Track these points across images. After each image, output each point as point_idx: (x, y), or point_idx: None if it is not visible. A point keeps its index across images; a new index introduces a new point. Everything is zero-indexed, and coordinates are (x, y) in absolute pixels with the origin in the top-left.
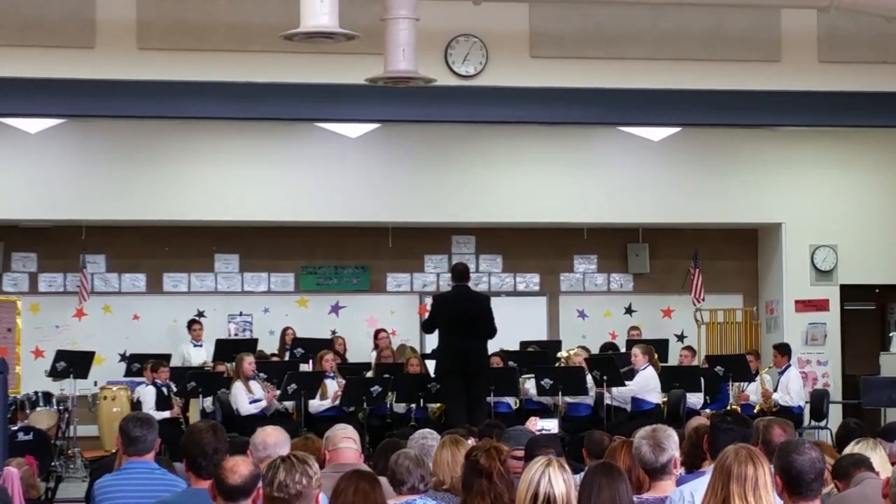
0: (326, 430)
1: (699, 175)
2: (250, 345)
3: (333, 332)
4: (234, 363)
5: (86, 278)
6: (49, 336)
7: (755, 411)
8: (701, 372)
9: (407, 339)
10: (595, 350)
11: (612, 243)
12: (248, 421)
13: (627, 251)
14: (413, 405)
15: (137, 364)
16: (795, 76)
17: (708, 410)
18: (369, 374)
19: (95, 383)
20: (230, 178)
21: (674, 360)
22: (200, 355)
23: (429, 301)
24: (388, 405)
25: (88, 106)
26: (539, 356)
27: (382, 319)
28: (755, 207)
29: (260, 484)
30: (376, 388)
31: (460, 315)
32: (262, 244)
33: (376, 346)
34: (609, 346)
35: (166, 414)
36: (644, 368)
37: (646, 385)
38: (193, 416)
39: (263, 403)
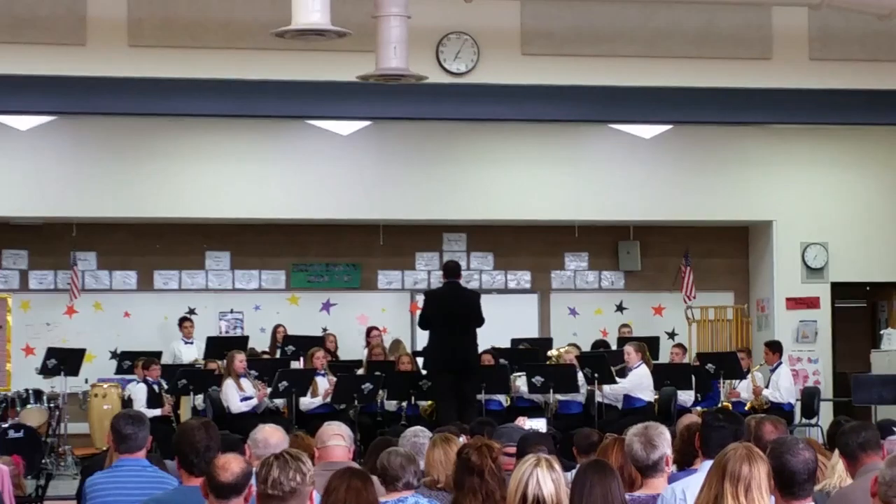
0: (318, 427)
1: (690, 173)
2: (241, 342)
3: (324, 330)
4: (225, 361)
5: (76, 275)
6: (40, 333)
7: (746, 409)
8: (692, 369)
9: (398, 336)
10: (586, 347)
11: (603, 241)
12: (239, 418)
13: (618, 249)
14: (404, 403)
15: (128, 361)
16: (787, 74)
17: (699, 408)
18: (360, 371)
19: (86, 381)
20: (221, 175)
21: (665, 357)
22: (191, 353)
23: (420, 299)
24: (380, 403)
25: (79, 103)
26: (530, 354)
27: (373, 317)
28: (746, 205)
29: (253, 481)
30: (367, 386)
31: (451, 312)
32: (253, 242)
33: (367, 344)
34: (600, 344)
35: (157, 411)
36: (637, 366)
37: (639, 383)
38: (184, 413)
39: (254, 401)
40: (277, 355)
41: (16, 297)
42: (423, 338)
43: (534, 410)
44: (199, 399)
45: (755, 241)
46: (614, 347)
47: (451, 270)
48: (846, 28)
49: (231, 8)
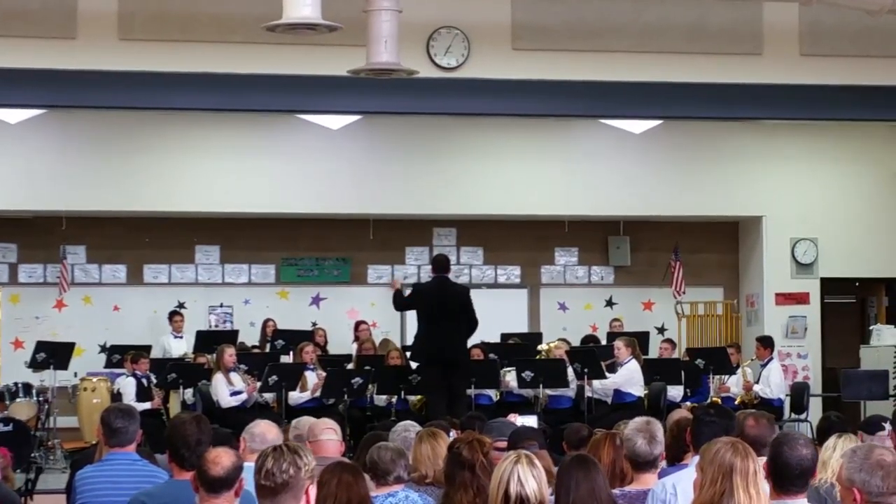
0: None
1: (680, 168)
2: (231, 336)
3: (314, 324)
4: (214, 355)
5: (66, 269)
6: (29, 327)
7: (736, 403)
8: (681, 364)
9: (387, 330)
10: (576, 342)
11: (593, 236)
12: (228, 413)
13: (608, 244)
14: (394, 397)
15: (118, 355)
16: (777, 69)
17: (688, 403)
18: (350, 365)
19: (75, 374)
20: (211, 169)
21: (654, 352)
22: (181, 347)
23: (398, 276)
24: (369, 397)
25: (70, 96)
26: (520, 348)
27: (363, 311)
28: (736, 200)
29: (244, 476)
30: (357, 380)
31: (440, 306)
32: (242, 235)
33: (357, 338)
34: (590, 339)
35: (147, 405)
36: (627, 361)
37: (630, 378)
38: (174, 407)
39: (244, 395)
40: (267, 349)
41: (5, 290)
42: (412, 333)
43: (523, 405)
44: (189, 393)
45: (745, 237)
46: (604, 342)
47: (440, 265)
48: (837, 24)
49: (222, 2)
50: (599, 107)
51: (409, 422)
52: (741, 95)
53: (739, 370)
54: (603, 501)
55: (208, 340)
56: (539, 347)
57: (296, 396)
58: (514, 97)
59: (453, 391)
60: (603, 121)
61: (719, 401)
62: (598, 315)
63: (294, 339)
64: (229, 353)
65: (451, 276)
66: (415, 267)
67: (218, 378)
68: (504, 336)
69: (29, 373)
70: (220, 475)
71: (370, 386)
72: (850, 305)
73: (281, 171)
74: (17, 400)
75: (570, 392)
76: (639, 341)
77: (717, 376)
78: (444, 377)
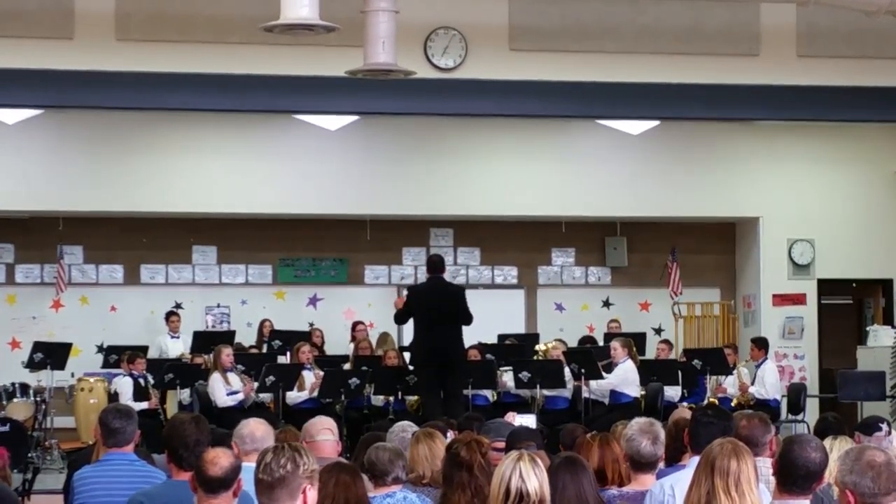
0: (304, 422)
1: (677, 169)
2: (228, 337)
3: (311, 325)
4: (211, 355)
5: (63, 269)
6: (26, 327)
7: (733, 405)
8: (678, 365)
9: (385, 330)
10: (573, 343)
11: (589, 237)
12: (225, 413)
13: (605, 245)
14: (391, 398)
15: (114, 355)
16: (774, 70)
17: (685, 404)
18: (347, 366)
19: (72, 375)
20: (208, 169)
21: (651, 353)
22: (178, 347)
23: (406, 294)
24: (366, 398)
25: (67, 97)
26: (517, 349)
27: (360, 312)
28: (733, 201)
29: (241, 476)
30: (354, 381)
31: (435, 306)
32: (240, 236)
33: (354, 339)
34: (587, 340)
35: (144, 405)
36: (623, 362)
37: (625, 378)
38: (171, 408)
39: (241, 396)
40: (264, 350)
41: (2, 290)
42: (409, 333)
43: (520, 406)
44: (186, 393)
45: (742, 238)
46: (601, 343)
47: (435, 265)
48: (833, 25)
49: (219, 2)
50: (596, 108)
51: (406, 422)
52: (738, 96)
53: (735, 371)
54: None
55: (205, 341)
56: (536, 348)
57: (293, 397)
58: (512, 98)
59: (448, 392)
60: (600, 122)
61: (716, 402)
62: (594, 316)
63: (291, 339)
64: (226, 354)
65: (447, 276)
66: (412, 267)
67: (215, 378)
68: (501, 337)
69: (26, 373)
70: (218, 475)
71: (367, 386)
72: (846, 306)
73: (278, 171)
74: (14, 400)
75: (567, 393)
76: (636, 342)
77: (714, 377)
78: (439, 378)
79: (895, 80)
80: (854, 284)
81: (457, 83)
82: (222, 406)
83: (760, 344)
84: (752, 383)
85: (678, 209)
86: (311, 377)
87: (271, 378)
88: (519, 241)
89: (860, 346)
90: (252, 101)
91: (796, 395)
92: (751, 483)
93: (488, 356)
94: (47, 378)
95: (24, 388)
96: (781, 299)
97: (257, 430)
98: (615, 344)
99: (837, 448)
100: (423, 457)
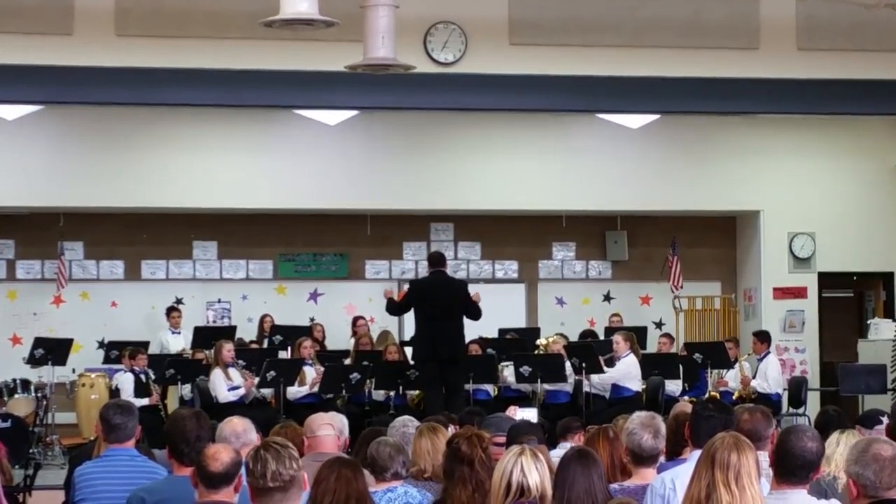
0: (305, 417)
1: (678, 163)
2: (229, 332)
3: (312, 320)
4: (212, 350)
5: (63, 265)
6: (27, 323)
7: (734, 398)
8: (679, 359)
9: (385, 325)
10: (573, 337)
11: (590, 231)
12: (226, 408)
13: (606, 239)
14: (392, 392)
15: (115, 351)
16: (774, 64)
17: (686, 398)
18: (348, 361)
19: (73, 370)
20: (209, 165)
21: (652, 347)
22: (178, 342)
23: (403, 289)
24: (367, 393)
25: (67, 92)
26: (518, 343)
27: (361, 307)
28: (733, 195)
29: (242, 472)
30: (355, 376)
31: (437, 301)
32: (240, 231)
33: (354, 334)
34: (588, 334)
35: (145, 401)
36: (626, 356)
37: (627, 372)
38: (172, 403)
39: (242, 391)
40: (265, 345)
41: (3, 286)
42: (409, 328)
43: (521, 400)
44: (187, 389)
45: (742, 231)
46: (602, 337)
47: (436, 260)
48: (833, 18)
49: None
50: (597, 102)
51: (407, 417)
52: (738, 90)
53: (737, 365)
54: (598, 500)
55: (206, 336)
56: (537, 342)
57: (294, 392)
58: (512, 92)
59: (450, 387)
60: (600, 116)
61: (717, 395)
62: (595, 310)
63: (292, 334)
64: (227, 349)
65: (448, 271)
66: (412, 262)
67: (216, 374)
68: (501, 331)
69: (27, 369)
70: (219, 471)
71: (368, 381)
72: (847, 300)
73: (278, 166)
74: (16, 396)
75: (568, 387)
76: (637, 336)
77: (716, 371)
78: (441, 373)
79: (895, 73)
80: (855, 278)
81: (457, 78)
82: (223, 401)
83: (763, 337)
84: (754, 377)
85: (679, 203)
86: (311, 372)
87: (272, 373)
88: (519, 235)
89: (861, 340)
90: (252, 96)
91: (797, 389)
92: (751, 477)
93: (489, 351)
94: (48, 374)
95: (26, 384)
96: (782, 293)
97: (238, 426)
98: (618, 338)
99: (844, 442)
100: (426, 451)
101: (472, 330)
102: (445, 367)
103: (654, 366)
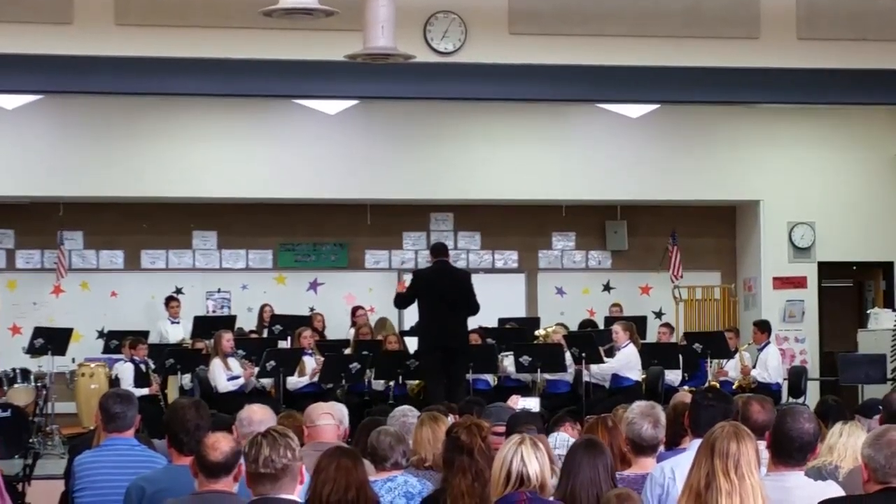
0: (305, 407)
1: (678, 152)
2: (228, 322)
3: (312, 309)
4: (212, 340)
5: (63, 255)
6: (27, 313)
7: (734, 388)
8: (679, 349)
9: (385, 315)
10: (573, 327)
11: (590, 221)
12: (226, 398)
13: (606, 228)
14: (392, 382)
15: (115, 341)
16: (774, 53)
17: (686, 387)
18: (348, 351)
19: (73, 360)
20: (208, 154)
21: (652, 337)
22: (178, 332)
23: (408, 278)
24: (367, 382)
25: (66, 82)
26: (518, 333)
27: (361, 296)
28: (733, 185)
29: (242, 461)
30: (355, 366)
31: (441, 291)
32: (240, 221)
33: (354, 324)
34: (588, 324)
35: (144, 391)
36: (625, 346)
37: (627, 362)
38: (172, 393)
39: (242, 381)
40: (265, 335)
41: (2, 276)
42: (409, 317)
43: (521, 390)
44: (187, 378)
45: (742, 221)
46: (602, 327)
47: (439, 250)
48: (834, 7)
49: None
50: (596, 91)
51: (407, 407)
52: (738, 79)
53: (737, 355)
54: (602, 491)
55: (206, 326)
56: (537, 332)
57: (294, 381)
58: (511, 82)
59: (452, 377)
60: (600, 105)
61: (717, 385)
62: (595, 300)
63: (292, 324)
64: (227, 339)
65: (450, 260)
66: (412, 252)
67: (216, 363)
68: (502, 321)
69: (27, 358)
70: (219, 460)
71: (368, 371)
72: (847, 289)
73: (278, 156)
74: (15, 386)
75: (568, 377)
76: (636, 326)
77: (715, 360)
78: (444, 363)
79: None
80: (854, 267)
81: (456, 67)
82: (223, 391)
83: (763, 327)
84: (754, 367)
85: (679, 193)
86: (311, 362)
87: (272, 363)
88: (519, 225)
89: (861, 329)
90: (251, 85)
91: (797, 379)
92: (751, 466)
93: (489, 340)
94: (48, 363)
95: (25, 373)
96: (782, 282)
97: (255, 414)
98: (617, 328)
99: (847, 433)
100: (427, 440)
101: (472, 320)
102: (451, 356)
103: (654, 355)
